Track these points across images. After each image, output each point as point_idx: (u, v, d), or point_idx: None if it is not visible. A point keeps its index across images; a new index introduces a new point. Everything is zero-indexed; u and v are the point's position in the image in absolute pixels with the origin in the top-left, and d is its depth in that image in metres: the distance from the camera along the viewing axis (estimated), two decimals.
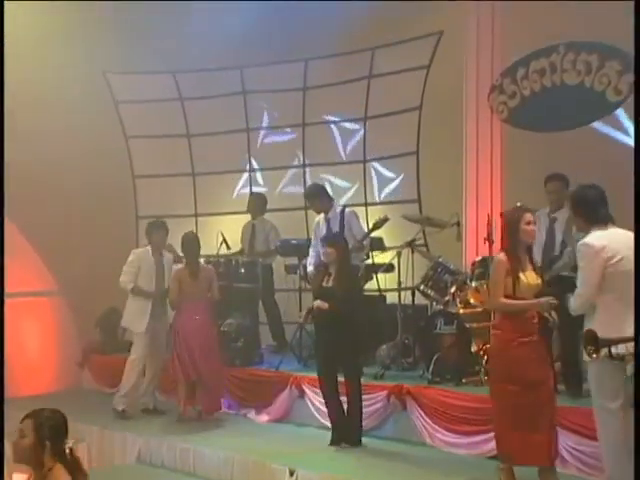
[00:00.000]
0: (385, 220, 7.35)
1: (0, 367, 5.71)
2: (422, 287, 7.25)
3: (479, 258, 7.20)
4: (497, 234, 7.07)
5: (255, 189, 10.36)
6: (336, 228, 7.47)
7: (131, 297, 7.84)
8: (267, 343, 8.92)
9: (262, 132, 10.49)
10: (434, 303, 7.36)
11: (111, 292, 9.57)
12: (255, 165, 10.55)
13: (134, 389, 7.78)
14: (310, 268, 7.64)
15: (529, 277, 4.90)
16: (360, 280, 6.64)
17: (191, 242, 7.52)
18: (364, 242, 7.38)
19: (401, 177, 9.62)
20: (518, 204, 5.07)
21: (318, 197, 7.74)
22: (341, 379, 6.41)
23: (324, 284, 6.41)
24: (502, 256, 4.92)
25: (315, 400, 7.06)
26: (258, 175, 10.56)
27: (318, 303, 6.26)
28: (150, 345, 7.73)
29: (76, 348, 9.72)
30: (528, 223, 4.92)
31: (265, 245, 8.88)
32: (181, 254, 7.72)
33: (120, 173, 10.35)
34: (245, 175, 10.56)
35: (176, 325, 7.48)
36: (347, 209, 7.69)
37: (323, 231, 7.55)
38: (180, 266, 7.57)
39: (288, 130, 10.36)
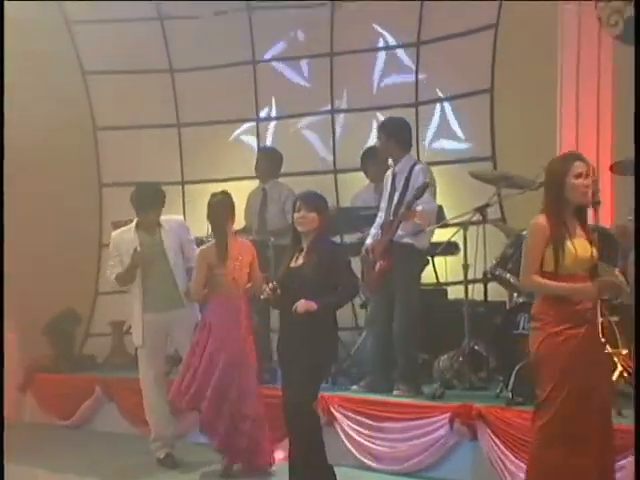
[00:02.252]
0: (425, 187, 7.29)
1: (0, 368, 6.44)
2: (498, 271, 7.23)
3: None
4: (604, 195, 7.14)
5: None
6: (400, 187, 7.50)
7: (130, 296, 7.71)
8: None
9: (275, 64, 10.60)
10: (515, 293, 7.37)
11: (65, 288, 9.81)
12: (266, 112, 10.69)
13: (165, 424, 7.65)
14: (369, 241, 7.63)
15: (578, 247, 5.01)
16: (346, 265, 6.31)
17: (219, 206, 7.21)
18: (417, 208, 7.27)
19: (469, 123, 9.72)
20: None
21: (398, 134, 7.66)
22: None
23: (292, 264, 6.22)
24: (541, 219, 5.05)
25: (350, 429, 7.12)
26: (271, 127, 10.71)
27: (303, 304, 5.93)
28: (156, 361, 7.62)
29: (16, 365, 9.71)
30: (578, 176, 4.98)
31: (281, 219, 8.91)
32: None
33: (76, 123, 10.36)
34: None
35: (203, 330, 7.20)
36: (418, 165, 7.68)
37: (387, 189, 7.63)
38: (207, 245, 7.35)
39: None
